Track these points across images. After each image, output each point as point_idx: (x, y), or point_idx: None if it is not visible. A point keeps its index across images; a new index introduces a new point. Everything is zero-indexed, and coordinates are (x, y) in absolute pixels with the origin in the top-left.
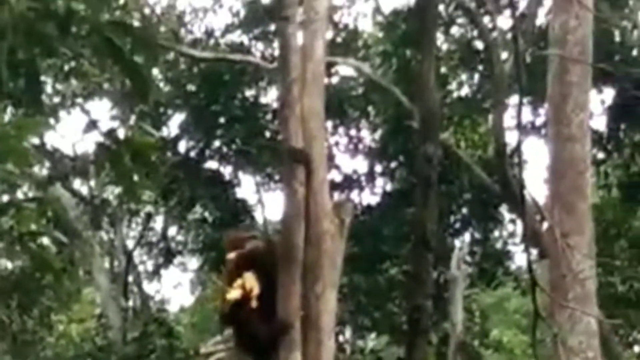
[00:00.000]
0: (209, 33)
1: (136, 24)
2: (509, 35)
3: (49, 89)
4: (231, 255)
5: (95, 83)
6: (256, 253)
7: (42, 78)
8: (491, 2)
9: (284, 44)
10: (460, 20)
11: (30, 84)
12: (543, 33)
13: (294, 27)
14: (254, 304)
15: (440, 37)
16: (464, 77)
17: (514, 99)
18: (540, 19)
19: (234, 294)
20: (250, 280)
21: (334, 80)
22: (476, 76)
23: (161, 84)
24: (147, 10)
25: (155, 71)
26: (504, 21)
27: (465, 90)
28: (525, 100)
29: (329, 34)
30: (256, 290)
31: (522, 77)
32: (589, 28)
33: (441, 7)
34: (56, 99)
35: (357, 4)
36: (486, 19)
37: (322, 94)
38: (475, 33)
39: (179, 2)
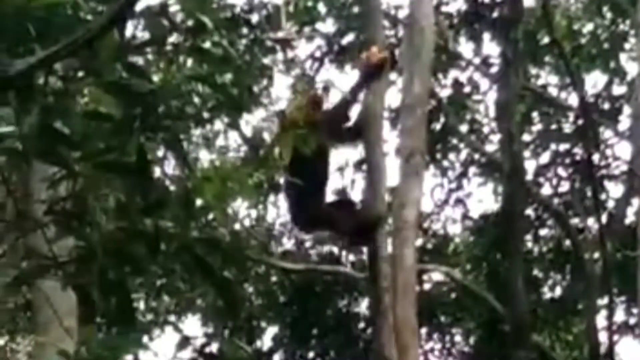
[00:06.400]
0: (299, 244)
1: (226, 237)
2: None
3: (141, 305)
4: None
5: (188, 299)
6: None
7: (134, 296)
8: (579, 204)
9: (373, 254)
10: (549, 222)
11: (121, 304)
12: (632, 233)
13: (383, 236)
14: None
15: (529, 239)
16: (557, 277)
17: (607, 299)
18: (630, 218)
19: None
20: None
21: (426, 286)
22: (567, 277)
23: (253, 297)
24: (236, 225)
25: (246, 284)
26: (594, 221)
27: (558, 291)
28: (617, 300)
29: (419, 241)
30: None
31: (610, 279)
32: None
33: (530, 211)
34: (149, 316)
35: (446, 210)
36: (575, 220)
37: (414, 302)
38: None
39: (268, 216)
